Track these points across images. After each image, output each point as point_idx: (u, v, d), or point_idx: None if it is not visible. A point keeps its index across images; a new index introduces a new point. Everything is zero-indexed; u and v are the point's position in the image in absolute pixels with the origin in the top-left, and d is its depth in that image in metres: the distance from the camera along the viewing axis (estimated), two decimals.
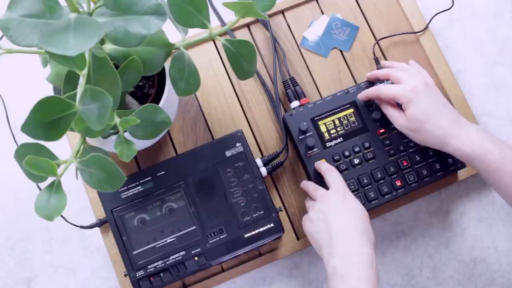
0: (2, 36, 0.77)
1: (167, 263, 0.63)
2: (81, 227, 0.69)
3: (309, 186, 0.66)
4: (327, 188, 0.64)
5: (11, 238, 0.72)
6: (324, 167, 0.66)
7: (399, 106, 0.65)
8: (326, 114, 0.70)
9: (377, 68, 0.74)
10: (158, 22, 0.45)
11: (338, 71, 0.76)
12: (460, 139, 0.61)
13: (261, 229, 0.65)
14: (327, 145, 0.69)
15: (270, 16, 0.78)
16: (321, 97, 0.75)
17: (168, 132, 0.73)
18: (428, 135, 0.62)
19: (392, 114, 0.65)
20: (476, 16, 0.80)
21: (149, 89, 0.63)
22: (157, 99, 0.59)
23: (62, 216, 0.70)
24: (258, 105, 0.75)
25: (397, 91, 0.63)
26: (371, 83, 0.71)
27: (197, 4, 0.51)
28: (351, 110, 0.70)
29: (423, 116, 0.62)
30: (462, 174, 0.72)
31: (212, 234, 0.64)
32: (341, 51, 0.77)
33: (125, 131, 0.52)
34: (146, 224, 0.64)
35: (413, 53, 0.76)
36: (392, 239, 0.72)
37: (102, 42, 0.52)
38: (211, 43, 0.77)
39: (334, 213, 0.59)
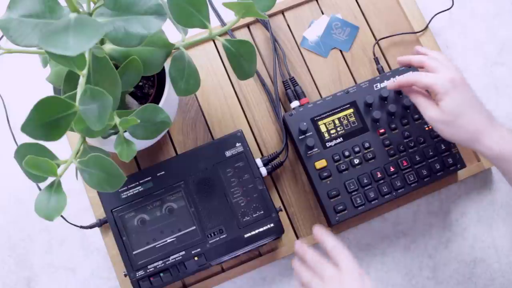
0: (2, 36, 0.77)
1: (167, 263, 0.63)
2: (81, 227, 0.69)
3: (308, 254, 0.58)
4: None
5: (11, 238, 0.72)
6: (328, 240, 0.58)
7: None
8: (326, 114, 0.70)
9: (377, 68, 0.74)
10: (158, 22, 0.45)
11: (338, 71, 0.76)
12: (491, 137, 0.59)
13: (261, 229, 0.65)
14: (327, 145, 0.69)
15: (270, 16, 0.78)
16: (321, 97, 0.75)
17: (168, 132, 0.73)
18: (460, 129, 0.60)
19: (424, 104, 0.62)
20: (476, 16, 0.80)
21: (149, 89, 0.63)
22: (157, 99, 0.59)
23: (62, 216, 0.70)
24: (258, 105, 0.75)
25: (435, 80, 0.60)
26: (371, 82, 0.71)
27: (197, 4, 0.51)
28: (351, 110, 0.70)
29: (458, 110, 0.59)
30: (462, 174, 0.72)
31: (212, 234, 0.64)
32: (341, 51, 0.77)
33: (125, 131, 0.52)
34: (146, 224, 0.65)
35: (413, 53, 0.76)
36: (392, 239, 0.72)
37: (102, 42, 0.52)
38: (211, 43, 0.77)
39: None
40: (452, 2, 0.78)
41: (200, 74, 0.57)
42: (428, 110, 0.61)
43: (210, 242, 0.64)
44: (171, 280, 0.63)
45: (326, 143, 0.69)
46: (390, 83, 0.65)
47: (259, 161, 0.68)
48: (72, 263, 0.72)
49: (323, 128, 0.70)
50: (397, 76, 0.67)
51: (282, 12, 0.78)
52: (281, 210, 0.68)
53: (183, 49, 0.55)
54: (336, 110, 0.70)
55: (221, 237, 0.64)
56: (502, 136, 0.59)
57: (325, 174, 0.68)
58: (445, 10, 0.78)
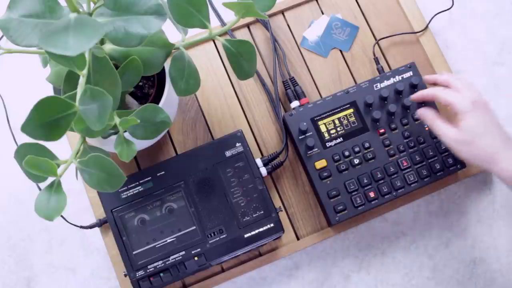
0: (2, 36, 0.77)
1: (167, 263, 0.63)
2: (81, 227, 0.69)
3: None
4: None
5: (11, 238, 0.72)
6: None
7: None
8: (326, 114, 0.70)
9: (377, 68, 0.74)
10: (158, 22, 0.45)
11: (338, 71, 0.76)
12: (508, 160, 0.60)
13: (261, 229, 0.65)
14: (327, 145, 0.69)
15: (270, 16, 0.78)
16: (321, 97, 0.75)
17: (168, 132, 0.73)
18: (478, 150, 0.61)
19: (442, 126, 0.63)
20: (476, 16, 0.80)
21: (149, 89, 0.63)
22: (157, 99, 0.59)
23: (62, 216, 0.70)
24: (258, 105, 0.75)
25: (458, 98, 0.62)
26: (371, 82, 0.71)
27: (197, 4, 0.51)
28: (351, 110, 0.70)
29: (478, 130, 0.61)
30: (462, 174, 0.72)
31: (212, 234, 0.64)
32: (341, 51, 0.77)
33: (125, 131, 0.52)
34: (146, 224, 0.64)
35: (413, 53, 0.76)
36: (392, 239, 0.72)
37: (102, 42, 0.52)
38: (211, 43, 0.77)
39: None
40: (452, 2, 0.78)
41: (200, 74, 0.57)
42: (446, 131, 0.62)
43: (210, 242, 0.64)
44: (171, 280, 0.63)
45: (326, 143, 0.69)
46: (414, 95, 0.68)
47: (259, 161, 0.68)
48: (72, 263, 0.72)
49: (323, 128, 0.70)
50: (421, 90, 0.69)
51: (282, 12, 0.78)
52: (281, 210, 0.68)
53: (183, 49, 0.55)
54: (336, 110, 0.70)
55: (221, 237, 0.64)
56: None
57: (325, 174, 0.68)
58: (445, 10, 0.78)
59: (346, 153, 0.69)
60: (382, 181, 0.68)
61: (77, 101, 0.43)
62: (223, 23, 0.78)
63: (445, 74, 0.67)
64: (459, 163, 0.70)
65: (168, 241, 0.64)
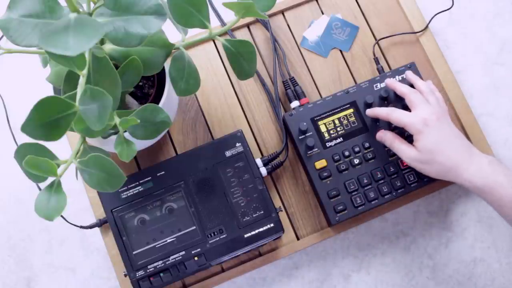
0: (2, 36, 0.77)
1: (167, 263, 0.64)
2: (81, 227, 0.69)
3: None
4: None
5: (11, 238, 0.72)
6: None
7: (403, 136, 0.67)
8: (326, 114, 0.70)
9: (377, 68, 0.74)
10: (158, 22, 0.45)
11: (338, 71, 0.76)
12: (471, 171, 0.60)
13: (261, 229, 0.65)
14: (327, 145, 0.69)
15: (270, 16, 0.78)
16: (321, 97, 0.75)
17: (168, 132, 0.73)
18: (439, 167, 0.62)
19: (401, 148, 0.64)
20: (476, 16, 0.80)
21: (149, 89, 0.63)
22: (157, 99, 0.59)
23: (62, 216, 0.70)
24: (258, 105, 0.75)
25: (408, 120, 0.62)
26: (371, 82, 0.71)
27: (197, 4, 0.51)
28: (351, 110, 0.70)
29: (435, 148, 0.61)
30: None
31: (212, 234, 0.64)
32: (341, 51, 0.77)
33: (125, 131, 0.52)
34: (146, 224, 0.65)
35: (413, 53, 0.76)
36: (392, 239, 0.72)
37: (102, 42, 0.52)
38: (211, 43, 0.77)
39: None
40: (452, 2, 0.78)
41: (200, 74, 0.57)
42: (406, 152, 0.64)
43: (210, 242, 0.64)
44: (171, 280, 0.63)
45: (326, 143, 0.69)
46: (369, 111, 0.68)
47: (259, 161, 0.68)
48: (72, 263, 0.72)
49: (323, 128, 0.70)
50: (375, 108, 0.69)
51: (282, 12, 0.78)
52: (281, 210, 0.68)
53: (183, 49, 0.55)
54: (336, 110, 0.70)
55: (221, 237, 0.64)
56: (479, 169, 0.61)
57: (325, 174, 0.68)
58: (445, 10, 0.78)
59: (346, 153, 0.69)
60: (382, 181, 0.68)
61: (77, 101, 0.43)
62: (223, 23, 0.78)
63: (404, 86, 0.67)
64: None
65: (168, 241, 0.64)
